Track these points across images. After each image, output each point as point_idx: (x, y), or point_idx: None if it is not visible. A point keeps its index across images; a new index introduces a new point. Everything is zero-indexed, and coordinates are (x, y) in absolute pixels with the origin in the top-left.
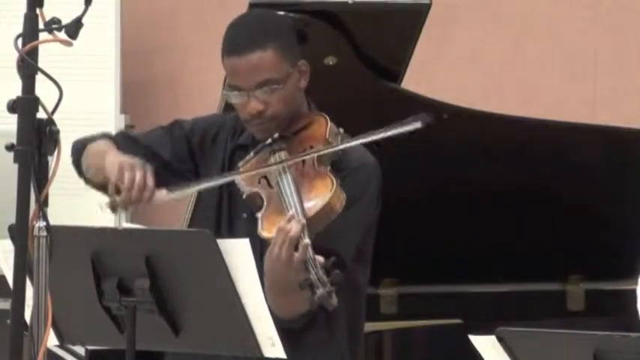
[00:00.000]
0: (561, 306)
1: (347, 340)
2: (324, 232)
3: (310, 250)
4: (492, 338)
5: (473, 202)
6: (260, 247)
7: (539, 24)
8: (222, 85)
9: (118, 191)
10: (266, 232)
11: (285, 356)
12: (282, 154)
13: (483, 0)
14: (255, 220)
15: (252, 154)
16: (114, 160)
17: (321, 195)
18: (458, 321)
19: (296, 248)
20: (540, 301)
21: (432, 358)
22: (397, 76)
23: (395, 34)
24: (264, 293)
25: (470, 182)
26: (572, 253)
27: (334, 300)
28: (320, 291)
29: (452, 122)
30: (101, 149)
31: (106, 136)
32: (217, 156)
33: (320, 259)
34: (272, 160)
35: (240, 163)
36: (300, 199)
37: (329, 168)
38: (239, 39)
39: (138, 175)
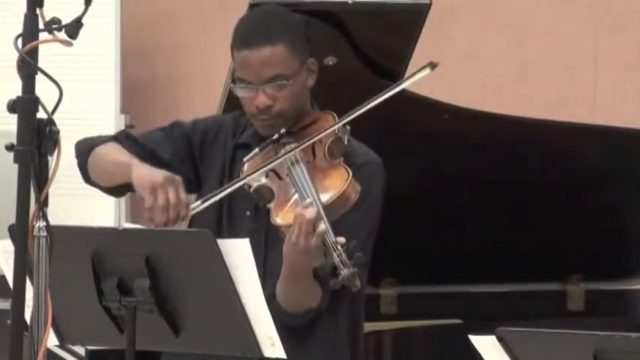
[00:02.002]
0: (561, 306)
1: (347, 340)
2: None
3: (331, 234)
4: (492, 338)
5: (473, 202)
6: (265, 244)
7: (539, 24)
8: (226, 80)
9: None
10: (280, 219)
11: (285, 356)
12: (294, 146)
13: (483, 0)
14: (260, 217)
15: (257, 149)
16: (142, 176)
17: (337, 184)
18: (458, 321)
19: (314, 233)
20: (540, 301)
21: (432, 358)
22: (397, 76)
23: (395, 34)
24: (278, 285)
25: (470, 182)
26: (572, 253)
27: (358, 282)
28: (345, 272)
29: (452, 122)
30: (114, 157)
31: (111, 138)
32: (217, 156)
33: (341, 239)
34: (282, 152)
35: (245, 159)
36: (316, 189)
37: (342, 159)
38: (252, 33)
39: (171, 194)
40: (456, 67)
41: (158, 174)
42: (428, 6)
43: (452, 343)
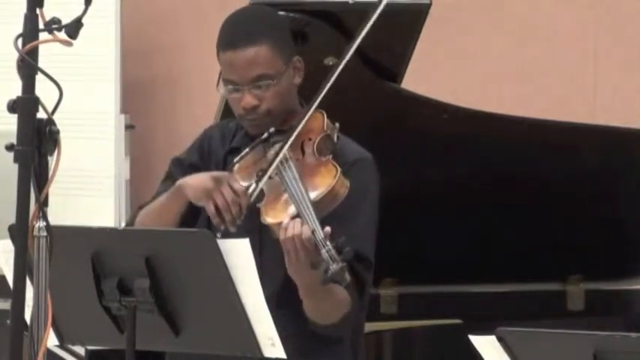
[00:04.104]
0: (561, 306)
1: (351, 339)
2: (345, 236)
3: (319, 231)
4: (492, 338)
5: (473, 202)
6: (259, 244)
7: (540, 24)
8: (217, 81)
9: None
10: (270, 217)
11: (284, 356)
12: (282, 144)
13: (483, 0)
14: (252, 217)
15: (247, 149)
16: (193, 189)
17: (326, 181)
18: (458, 321)
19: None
20: (540, 301)
21: (432, 358)
22: (397, 76)
23: (395, 34)
24: (305, 307)
25: (470, 182)
26: (573, 253)
27: (347, 276)
28: (333, 267)
29: (452, 122)
30: (157, 202)
31: (135, 211)
32: (211, 167)
33: (327, 229)
34: (272, 151)
35: (236, 159)
36: (305, 186)
37: (331, 157)
38: (235, 34)
39: (226, 192)
40: (456, 67)
41: (205, 179)
42: (428, 6)
43: (452, 343)
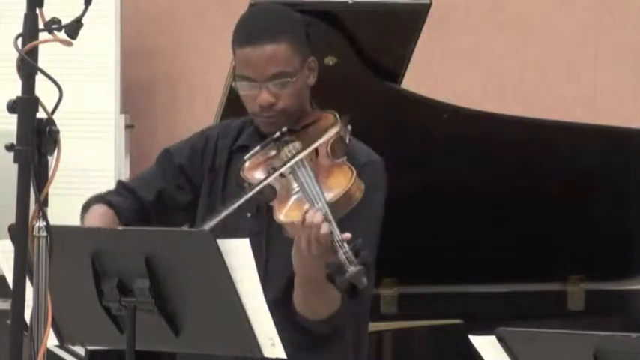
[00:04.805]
0: (561, 306)
1: (352, 341)
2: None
3: (337, 232)
4: (492, 338)
5: (473, 202)
6: (266, 244)
7: (540, 24)
8: (226, 80)
9: None
10: (282, 216)
11: (284, 356)
12: (297, 145)
13: (483, 0)
14: (260, 217)
15: (258, 147)
16: None
17: (342, 183)
18: (458, 321)
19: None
20: (540, 301)
21: (432, 358)
22: (397, 76)
23: (395, 34)
24: (296, 297)
25: (470, 182)
26: (572, 253)
27: (365, 279)
28: (351, 269)
29: (452, 122)
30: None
31: (103, 198)
32: (206, 164)
33: (347, 235)
34: (285, 150)
35: (246, 157)
36: (320, 188)
37: (345, 158)
38: (254, 30)
39: None
40: (456, 67)
41: None
42: (428, 6)
43: (452, 343)
